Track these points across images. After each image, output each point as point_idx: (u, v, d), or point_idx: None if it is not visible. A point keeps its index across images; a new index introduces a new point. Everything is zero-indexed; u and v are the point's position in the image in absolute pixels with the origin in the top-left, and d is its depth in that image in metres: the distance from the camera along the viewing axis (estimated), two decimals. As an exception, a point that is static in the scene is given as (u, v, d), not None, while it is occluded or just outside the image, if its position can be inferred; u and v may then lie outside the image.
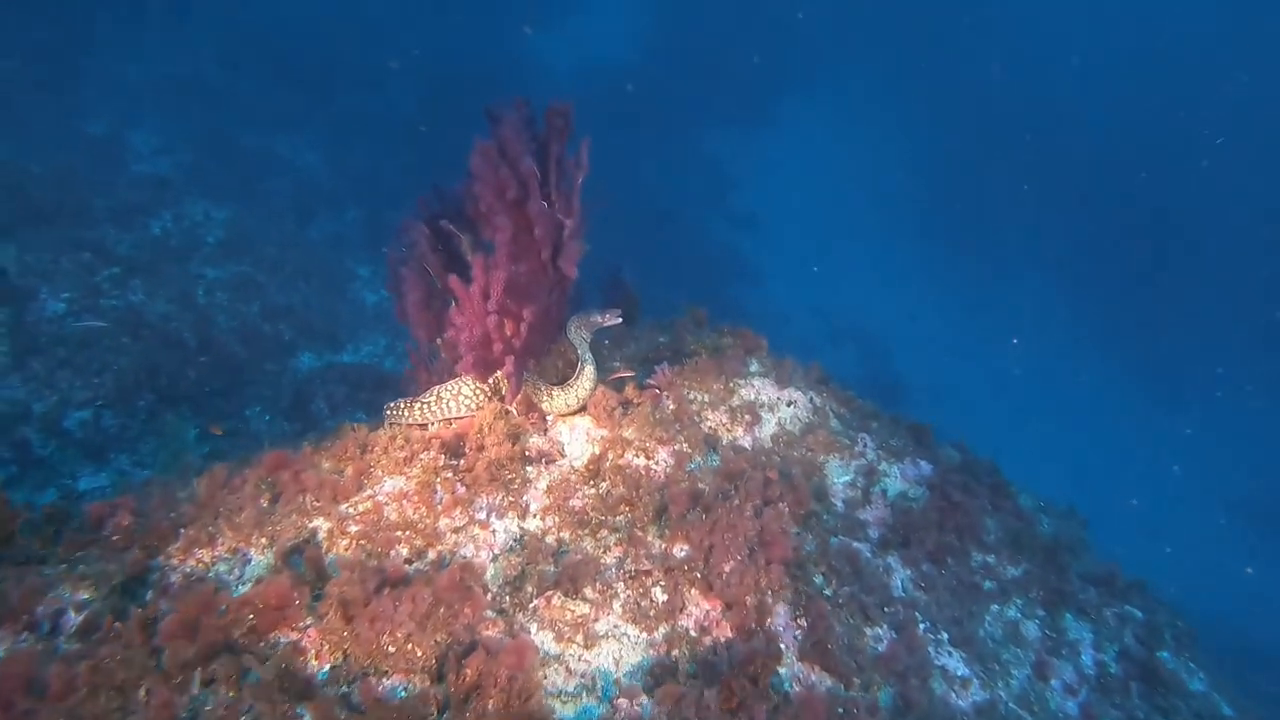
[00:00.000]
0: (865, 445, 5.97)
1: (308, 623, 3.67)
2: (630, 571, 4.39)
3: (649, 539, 4.59)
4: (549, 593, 4.16)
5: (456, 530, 4.38)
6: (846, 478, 5.79)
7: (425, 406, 5.18)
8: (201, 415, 9.91)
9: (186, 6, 21.32)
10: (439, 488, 4.50)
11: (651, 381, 6.23)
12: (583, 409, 5.62)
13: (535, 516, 4.85)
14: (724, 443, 5.68)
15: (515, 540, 4.60)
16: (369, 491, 4.44)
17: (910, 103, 31.61)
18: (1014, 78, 32.24)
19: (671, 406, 5.71)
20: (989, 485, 6.33)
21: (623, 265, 9.27)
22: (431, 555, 4.25)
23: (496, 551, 4.46)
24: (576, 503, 4.94)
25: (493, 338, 5.04)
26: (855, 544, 5.20)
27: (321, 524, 4.25)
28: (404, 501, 4.39)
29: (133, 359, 9.99)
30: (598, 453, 5.22)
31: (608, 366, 6.17)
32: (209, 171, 17.56)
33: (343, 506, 4.34)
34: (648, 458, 5.29)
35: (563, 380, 5.53)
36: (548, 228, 5.09)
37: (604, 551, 4.59)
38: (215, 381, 10.42)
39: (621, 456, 5.24)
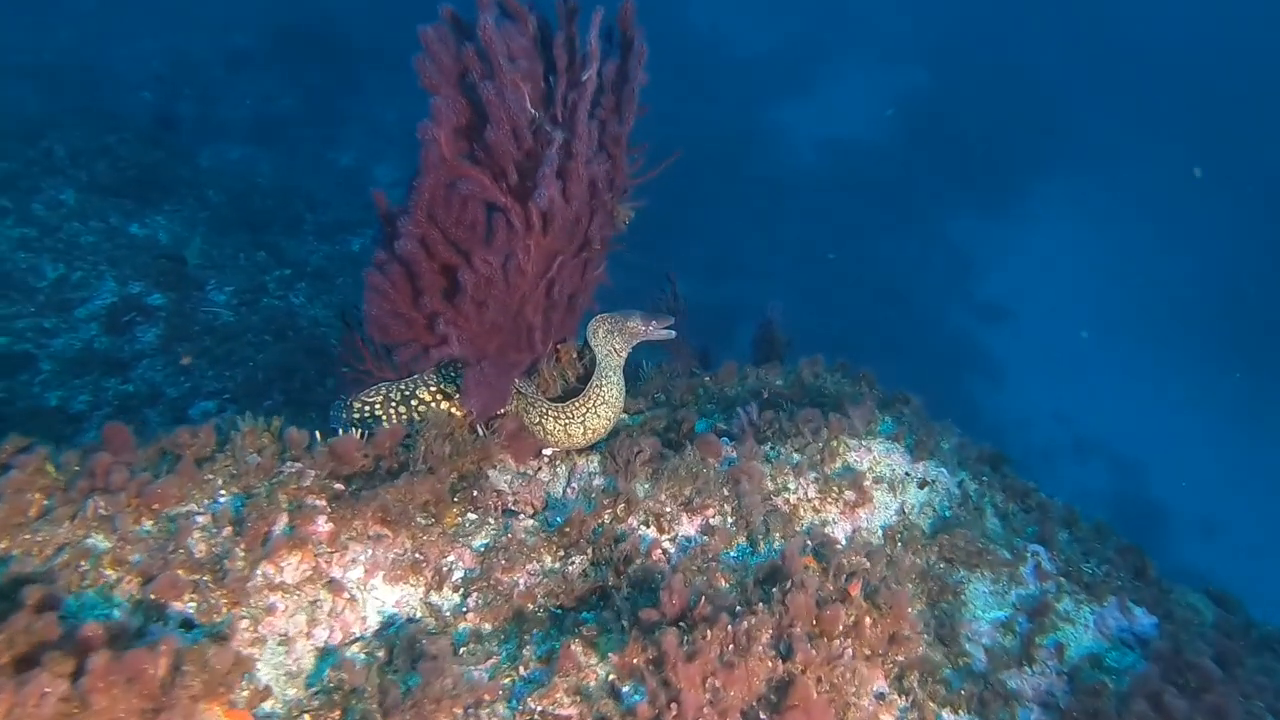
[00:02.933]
0: (1039, 566, 3.58)
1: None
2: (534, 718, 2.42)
3: (594, 663, 2.60)
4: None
5: (280, 589, 2.64)
6: (998, 613, 3.44)
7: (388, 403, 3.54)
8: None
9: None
10: (287, 517, 2.79)
11: (723, 426, 4.22)
12: (592, 445, 3.74)
13: (450, 590, 3.00)
14: (801, 529, 3.55)
15: (389, 627, 2.78)
16: (189, 507, 2.81)
17: (1203, 193, 26.84)
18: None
19: (725, 463, 3.68)
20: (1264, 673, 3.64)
21: (776, 305, 7.29)
22: (226, 621, 2.53)
23: (337, 640, 2.66)
24: (523, 582, 3.04)
25: (527, 299, 3.31)
26: (988, 736, 2.89)
27: (99, 543, 2.67)
28: (225, 528, 2.72)
29: (271, 358, 9.26)
30: (589, 511, 3.31)
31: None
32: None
33: (141, 526, 2.74)
34: (660, 530, 3.28)
35: (566, 398, 3.69)
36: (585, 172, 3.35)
37: (514, 672, 2.64)
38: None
39: (622, 522, 3.29)
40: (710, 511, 3.37)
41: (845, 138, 26.84)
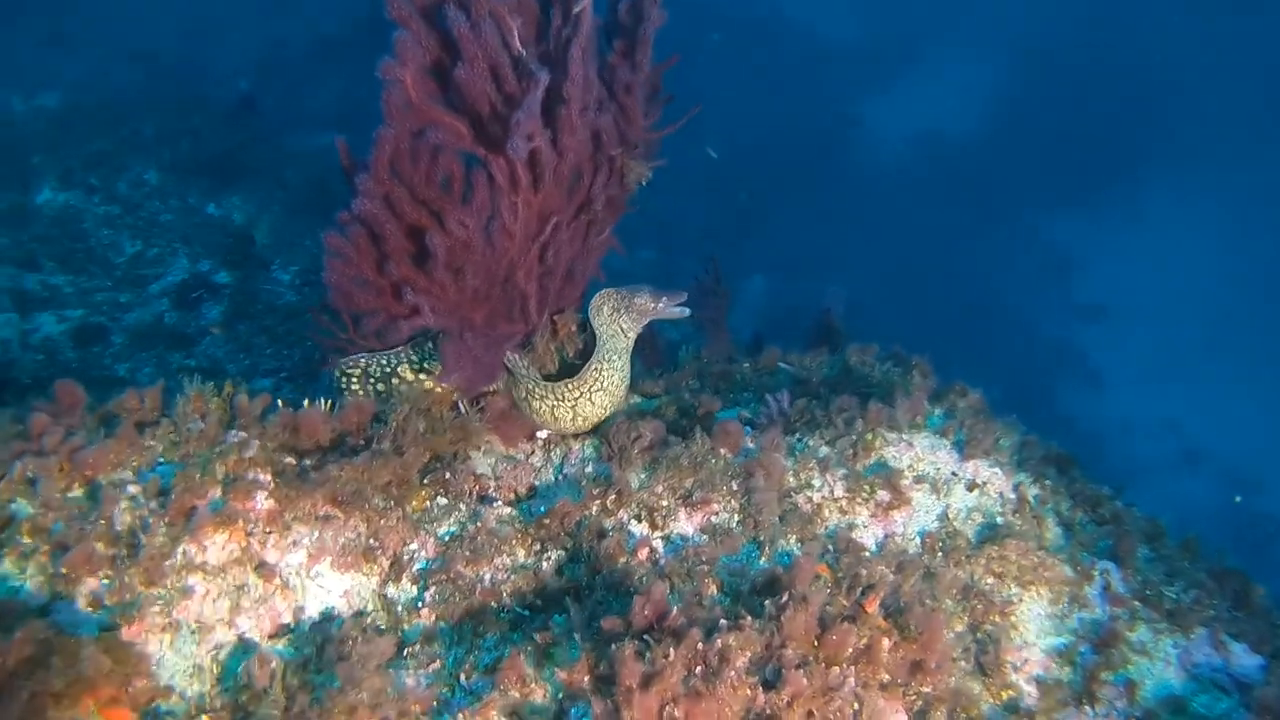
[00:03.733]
0: (1109, 586, 2.99)
1: None
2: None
3: (544, 677, 2.19)
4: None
5: (200, 570, 2.32)
6: (1055, 640, 2.88)
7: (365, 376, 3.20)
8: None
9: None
10: (220, 490, 2.47)
11: (747, 415, 3.75)
12: (592, 429, 3.33)
13: (408, 582, 2.64)
14: (822, 532, 3.06)
15: (330, 620, 2.44)
16: (123, 474, 2.53)
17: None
18: None
19: (742, 453, 3.22)
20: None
21: (837, 291, 6.75)
22: (137, 602, 2.23)
23: (265, 631, 2.33)
24: (488, 577, 2.65)
25: (517, 265, 2.93)
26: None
27: (21, 508, 2.41)
28: (154, 500, 2.42)
29: (331, 338, 9.17)
30: (576, 501, 2.90)
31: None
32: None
33: (70, 493, 2.47)
34: (653, 527, 2.85)
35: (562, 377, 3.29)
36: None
37: (455, 680, 2.26)
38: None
39: (612, 515, 2.87)
40: (714, 507, 2.92)
41: (934, 131, 25.65)
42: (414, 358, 3.05)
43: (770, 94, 23.61)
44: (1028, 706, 2.67)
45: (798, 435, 3.47)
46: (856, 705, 2.22)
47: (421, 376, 3.07)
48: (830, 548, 2.98)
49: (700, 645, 2.05)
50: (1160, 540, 3.23)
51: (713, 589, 2.53)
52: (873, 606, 2.49)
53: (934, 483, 3.30)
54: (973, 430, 3.49)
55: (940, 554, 3.07)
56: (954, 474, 3.34)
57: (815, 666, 2.14)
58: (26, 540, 2.31)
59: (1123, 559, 3.03)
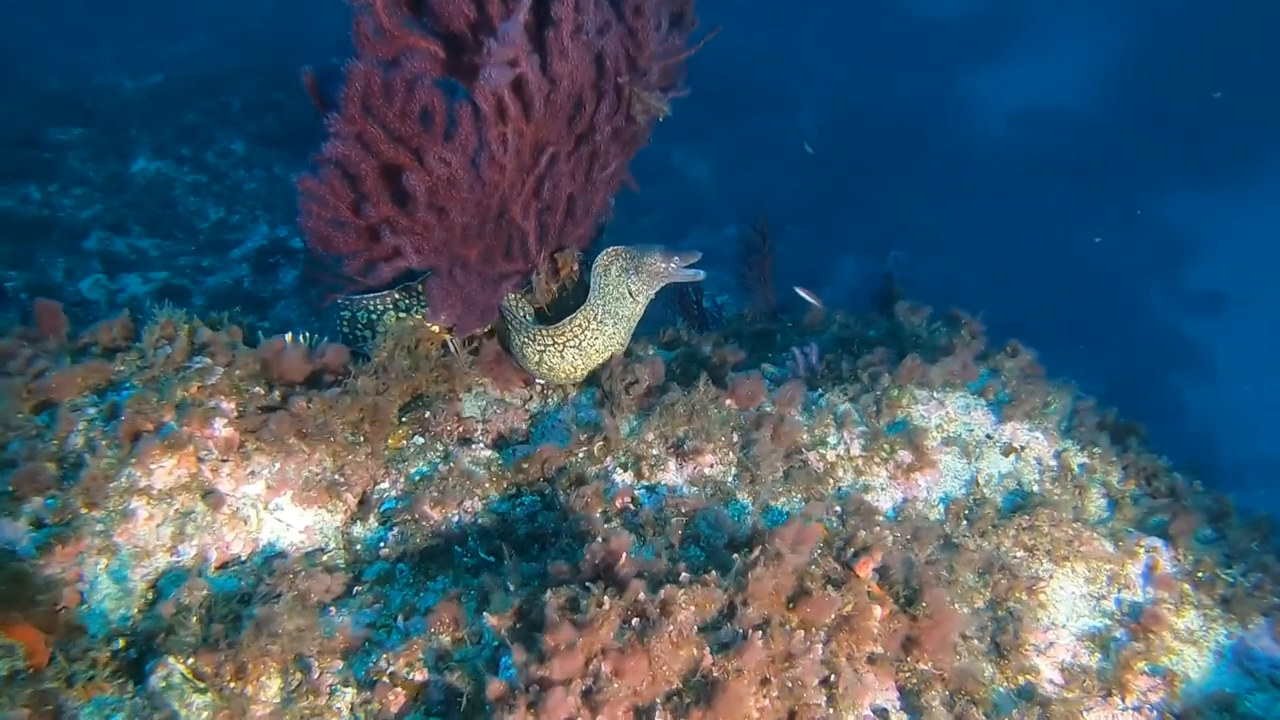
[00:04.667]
0: (1156, 565, 2.60)
1: None
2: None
3: (480, 622, 2.00)
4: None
5: (144, 494, 2.21)
6: (1088, 622, 2.53)
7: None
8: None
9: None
10: (173, 414, 2.36)
11: (769, 368, 3.47)
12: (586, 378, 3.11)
13: (375, 520, 2.50)
14: (831, 492, 2.77)
15: (282, 555, 2.31)
16: (84, 399, 2.45)
17: None
18: None
19: (756, 407, 2.94)
20: None
21: (900, 256, 6.38)
22: (75, 523, 2.15)
23: (210, 560, 2.21)
24: (456, 519, 2.48)
25: (511, 199, 2.76)
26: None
27: (-19, 431, 2.37)
28: (105, 424, 2.33)
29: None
30: (561, 446, 2.69)
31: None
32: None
33: (36, 416, 2.41)
34: (639, 476, 2.62)
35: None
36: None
37: (393, 622, 2.10)
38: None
39: (598, 463, 2.65)
40: (708, 459, 2.67)
41: (1043, 108, 24.28)
42: (403, 303, 2.88)
43: (868, 69, 22.78)
44: (1046, 694, 2.34)
45: (820, 391, 3.19)
46: (830, 675, 1.95)
47: (405, 317, 2.89)
48: (839, 509, 2.70)
49: (642, 596, 1.82)
50: (1226, 519, 2.81)
51: (686, 543, 2.29)
52: (864, 571, 2.21)
53: (965, 445, 2.96)
54: (1016, 391, 3.13)
55: (965, 522, 2.75)
56: (989, 436, 3.00)
57: (777, 630, 1.88)
58: (-22, 459, 2.26)
59: (1175, 537, 2.63)
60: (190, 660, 1.82)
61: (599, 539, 1.95)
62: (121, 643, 1.94)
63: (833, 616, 2.08)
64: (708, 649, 1.81)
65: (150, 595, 2.10)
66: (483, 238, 2.88)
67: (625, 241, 3.23)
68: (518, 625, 1.87)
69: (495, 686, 1.68)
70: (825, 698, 1.93)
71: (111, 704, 1.81)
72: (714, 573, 1.99)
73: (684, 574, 2.00)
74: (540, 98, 2.61)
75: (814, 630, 2.04)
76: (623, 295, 3.07)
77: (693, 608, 1.82)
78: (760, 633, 1.85)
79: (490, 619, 1.86)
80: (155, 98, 11.63)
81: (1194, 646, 2.44)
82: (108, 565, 2.10)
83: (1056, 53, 24.58)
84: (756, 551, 2.01)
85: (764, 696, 1.81)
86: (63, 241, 8.67)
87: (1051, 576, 2.62)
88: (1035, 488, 2.83)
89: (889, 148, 21.16)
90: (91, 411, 2.37)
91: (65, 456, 2.24)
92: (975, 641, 2.44)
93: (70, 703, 1.80)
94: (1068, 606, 2.58)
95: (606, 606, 1.79)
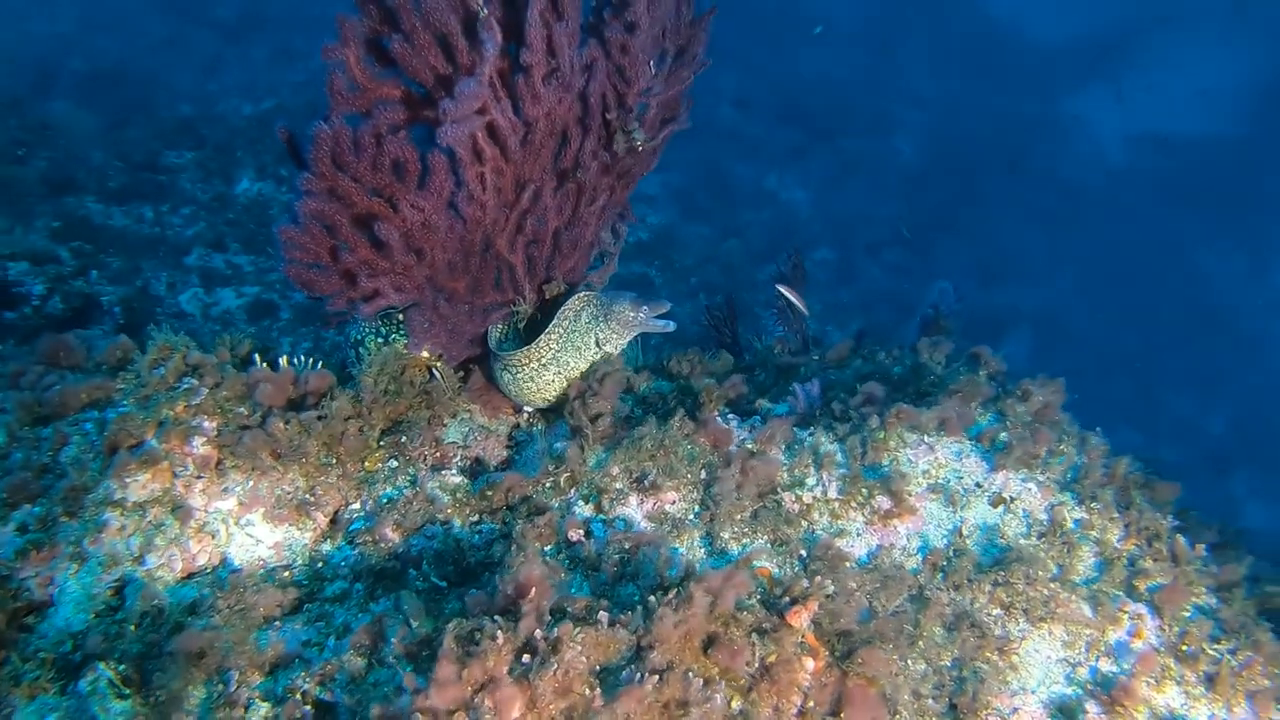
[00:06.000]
0: (1138, 634, 2.43)
1: None
2: None
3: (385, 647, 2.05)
4: None
5: (118, 506, 2.36)
6: (1059, 690, 2.38)
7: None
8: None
9: (713, 51, 21.75)
10: (154, 431, 2.52)
11: (765, 403, 3.42)
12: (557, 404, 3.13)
13: (341, 540, 2.60)
14: (799, 535, 2.71)
15: (236, 568, 2.43)
16: (86, 414, 2.64)
17: None
18: None
19: (735, 444, 2.91)
20: None
21: (945, 289, 6.21)
22: (56, 531, 2.31)
23: (174, 570, 2.34)
24: (416, 544, 2.56)
25: (495, 234, 2.86)
26: None
27: (-4, 440, 2.59)
28: (97, 438, 2.50)
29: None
30: (530, 476, 2.74)
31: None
32: (692, 193, 17.46)
33: (41, 429, 2.61)
34: (598, 510, 2.64)
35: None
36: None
37: (325, 642, 2.17)
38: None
39: (563, 494, 2.68)
40: (669, 496, 2.66)
41: (1164, 133, 23.00)
42: (384, 329, 2.99)
43: (971, 92, 22.14)
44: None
45: (810, 429, 3.12)
46: (736, 727, 1.91)
47: (387, 346, 2.99)
48: (803, 553, 2.64)
49: (538, 633, 1.84)
50: (1234, 589, 2.60)
51: (625, 580, 2.29)
52: (796, 620, 2.15)
53: (952, 493, 2.85)
54: (1013, 439, 2.99)
55: (941, 574, 2.64)
56: (978, 485, 2.87)
57: (675, 676, 1.86)
58: (-13, 468, 2.48)
59: (1161, 605, 2.46)
60: (121, 667, 1.95)
61: (511, 571, 1.98)
62: (70, 645, 2.09)
63: (754, 666, 2.05)
64: (599, 691, 1.81)
65: (114, 601, 2.25)
66: (469, 271, 2.96)
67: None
68: (422, 653, 1.92)
69: (376, 710, 1.73)
70: (738, 750, 1.90)
71: (51, 705, 1.96)
72: (629, 614, 1.99)
73: (603, 614, 2.01)
74: (515, 139, 2.68)
75: (733, 679, 2.01)
76: (587, 344, 3.06)
77: (580, 647, 1.82)
78: (657, 678, 1.84)
79: (396, 645, 1.92)
80: (262, 122, 12.40)
81: (1188, 734, 2.27)
82: (77, 572, 2.27)
83: (1179, 74, 23.27)
84: (671, 594, 2.00)
85: (649, 745, 1.79)
86: (168, 258, 9.34)
87: (1026, 637, 2.48)
88: (1021, 542, 2.70)
89: (992, 172, 20.49)
90: (89, 427, 2.56)
91: (56, 468, 2.43)
92: (930, 701, 2.34)
93: (16, 700, 1.95)
94: (1041, 671, 2.44)
95: (500, 640, 1.82)
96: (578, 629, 1.86)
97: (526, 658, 1.80)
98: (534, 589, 1.97)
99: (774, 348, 4.78)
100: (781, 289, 3.83)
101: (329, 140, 2.48)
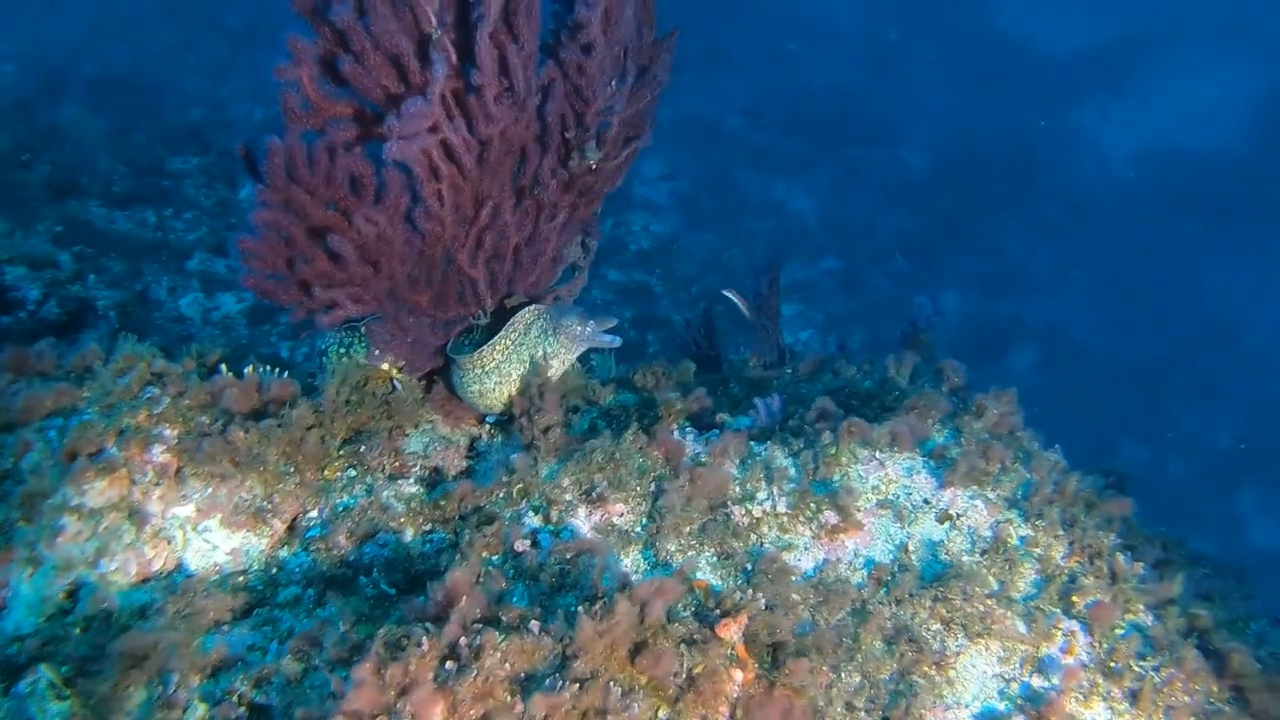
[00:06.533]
0: (1070, 648, 2.47)
1: None
2: None
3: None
4: None
5: (75, 512, 2.44)
6: (991, 705, 2.42)
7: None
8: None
9: (724, 61, 21.84)
10: (114, 439, 2.60)
11: (725, 417, 3.47)
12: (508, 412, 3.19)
13: (297, 546, 2.67)
14: (746, 548, 2.76)
15: (189, 573, 2.51)
16: (49, 421, 2.73)
17: None
18: None
19: (689, 458, 2.97)
20: None
21: (923, 303, 6.22)
22: (11, 535, 2.40)
23: (129, 574, 2.42)
24: (369, 552, 2.63)
25: (456, 250, 2.94)
26: None
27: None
28: (58, 445, 2.59)
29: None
30: (483, 486, 2.81)
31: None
32: (698, 201, 17.56)
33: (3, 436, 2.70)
34: (546, 521, 2.70)
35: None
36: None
37: (267, 645, 2.25)
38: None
39: (514, 505, 2.75)
40: (617, 508, 2.73)
41: (1172, 147, 22.92)
42: (346, 339, 3.06)
43: (979, 103, 22.14)
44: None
45: (766, 444, 3.18)
46: (657, 735, 1.97)
47: (347, 357, 3.06)
48: (748, 566, 2.69)
49: (462, 640, 1.91)
50: (1169, 607, 2.63)
51: (565, 590, 2.36)
52: (726, 632, 2.21)
53: (900, 509, 2.90)
54: (966, 455, 3.03)
55: (884, 589, 2.69)
56: (926, 501, 2.92)
57: (597, 685, 1.92)
58: (-53, 475, 2.57)
59: (1093, 622, 2.50)
60: (64, 669, 2.02)
61: (441, 580, 2.04)
62: (16, 649, 2.17)
63: (682, 677, 2.10)
64: (519, 698, 1.87)
65: (67, 605, 2.33)
66: (432, 285, 3.04)
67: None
68: (354, 659, 1.98)
69: (300, 713, 1.80)
70: (660, 758, 1.96)
71: (-6, 704, 2.04)
72: (556, 623, 2.05)
73: (534, 623, 2.08)
74: (470, 158, 2.75)
75: (661, 689, 2.07)
76: (534, 356, 3.13)
77: (500, 654, 1.88)
78: (577, 686, 1.90)
79: (329, 651, 1.99)
80: (272, 127, 12.53)
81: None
82: (31, 575, 2.35)
83: (1188, 87, 23.22)
84: (598, 604, 2.06)
85: (566, 753, 1.86)
86: (170, 262, 9.47)
87: (963, 652, 2.53)
88: (964, 558, 2.74)
89: (999, 183, 20.48)
90: (51, 434, 2.65)
91: (16, 474, 2.52)
92: (863, 714, 2.39)
93: (-36, 698, 2.03)
94: (977, 686, 2.49)
95: (425, 646, 1.88)
96: (503, 637, 1.93)
97: (450, 664, 1.87)
98: (464, 597, 2.04)
99: (749, 361, 4.85)
100: (728, 293, 3.89)
101: (281, 153, 2.56)
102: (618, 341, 3.20)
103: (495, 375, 3.01)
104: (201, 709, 2.04)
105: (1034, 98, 22.38)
